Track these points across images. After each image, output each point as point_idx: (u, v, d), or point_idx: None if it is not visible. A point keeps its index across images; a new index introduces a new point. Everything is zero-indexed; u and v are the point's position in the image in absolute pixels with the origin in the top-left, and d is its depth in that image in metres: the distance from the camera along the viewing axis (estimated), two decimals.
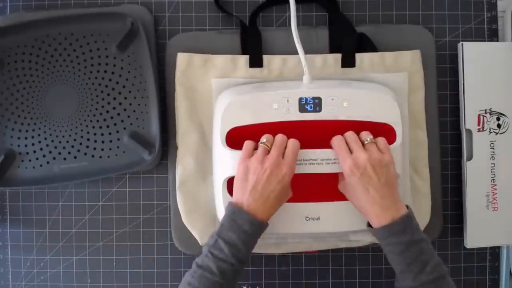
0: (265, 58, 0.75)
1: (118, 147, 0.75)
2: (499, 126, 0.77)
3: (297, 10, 0.74)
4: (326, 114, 0.68)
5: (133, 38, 0.74)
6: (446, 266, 0.61)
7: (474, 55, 0.77)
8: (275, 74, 0.75)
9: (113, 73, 0.75)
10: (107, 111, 0.75)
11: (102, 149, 0.75)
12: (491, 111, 0.77)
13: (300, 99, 0.68)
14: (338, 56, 0.75)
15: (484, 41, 0.80)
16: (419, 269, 0.59)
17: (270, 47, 0.76)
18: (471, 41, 0.80)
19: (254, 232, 0.62)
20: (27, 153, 0.75)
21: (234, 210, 0.63)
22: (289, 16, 0.74)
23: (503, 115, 0.77)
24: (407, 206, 0.64)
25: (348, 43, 0.75)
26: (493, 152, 0.77)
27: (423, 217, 0.75)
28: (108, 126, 0.75)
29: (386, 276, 0.79)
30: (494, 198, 0.77)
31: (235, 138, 0.68)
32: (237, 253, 0.61)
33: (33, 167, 0.75)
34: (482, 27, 0.80)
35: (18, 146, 0.75)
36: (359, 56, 0.75)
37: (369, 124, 0.68)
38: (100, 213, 0.79)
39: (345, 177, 0.65)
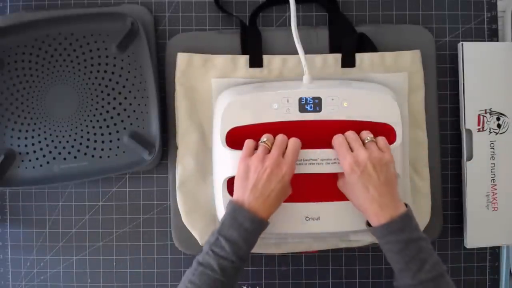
0: (265, 58, 0.75)
1: (118, 147, 0.75)
2: (499, 126, 0.77)
3: (297, 10, 0.74)
4: (326, 114, 0.68)
5: (133, 38, 0.74)
6: (446, 266, 0.61)
7: (474, 55, 0.77)
8: (275, 74, 0.75)
9: (113, 73, 0.75)
10: (107, 111, 0.75)
11: (102, 149, 0.75)
12: (491, 111, 0.77)
13: (300, 99, 0.68)
14: (338, 56, 0.75)
15: (484, 41, 0.80)
16: (417, 268, 0.59)
17: (270, 47, 0.76)
18: (471, 41, 0.80)
19: (255, 229, 0.62)
20: (27, 153, 0.75)
21: (235, 208, 0.63)
22: (289, 16, 0.74)
23: (503, 115, 0.77)
24: (406, 205, 0.64)
25: (348, 43, 0.75)
26: (493, 152, 0.77)
27: (423, 217, 0.75)
28: (108, 126, 0.75)
29: (386, 276, 0.80)
30: (494, 198, 0.77)
31: (235, 138, 0.68)
32: (238, 250, 0.61)
33: (33, 167, 0.75)
34: (482, 27, 0.80)
35: (18, 146, 0.75)
36: (359, 56, 0.75)
37: (369, 124, 0.68)
38: (100, 213, 0.79)
39: (345, 175, 0.65)
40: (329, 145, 0.68)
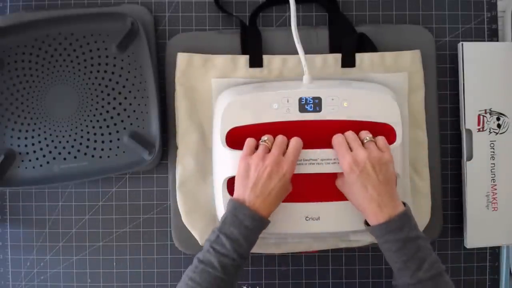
0: (265, 58, 0.75)
1: (118, 147, 0.75)
2: (499, 126, 0.77)
3: (297, 10, 0.74)
4: (326, 114, 0.68)
5: (133, 38, 0.74)
6: (446, 266, 0.62)
7: (474, 55, 0.77)
8: (275, 74, 0.75)
9: (113, 73, 0.75)
10: (107, 111, 0.75)
11: (102, 149, 0.75)
12: (491, 111, 0.77)
13: (300, 99, 0.68)
14: (338, 56, 0.75)
15: (484, 41, 0.80)
16: (416, 267, 0.59)
17: (270, 47, 0.76)
18: (471, 41, 0.80)
19: (256, 227, 0.63)
20: (27, 153, 0.75)
21: (235, 206, 0.63)
22: (289, 16, 0.74)
23: (503, 115, 0.77)
24: (404, 204, 0.64)
25: (348, 43, 0.75)
26: (493, 152, 0.77)
27: (423, 217, 0.75)
28: (108, 126, 0.75)
29: (386, 276, 0.80)
30: (494, 198, 0.77)
31: (235, 138, 0.68)
32: (239, 248, 0.61)
33: (33, 167, 0.75)
34: (482, 27, 0.80)
35: (18, 146, 0.75)
36: (359, 56, 0.75)
37: (369, 124, 0.68)
38: (100, 213, 0.79)
39: (344, 174, 0.65)
40: (329, 145, 0.68)
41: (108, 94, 0.75)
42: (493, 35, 0.80)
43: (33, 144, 0.75)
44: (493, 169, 0.77)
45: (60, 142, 0.75)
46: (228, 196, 0.69)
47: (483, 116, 0.77)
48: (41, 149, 0.75)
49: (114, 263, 0.79)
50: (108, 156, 0.75)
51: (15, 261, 0.79)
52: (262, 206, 0.63)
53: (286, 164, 0.64)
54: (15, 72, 0.75)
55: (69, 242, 0.79)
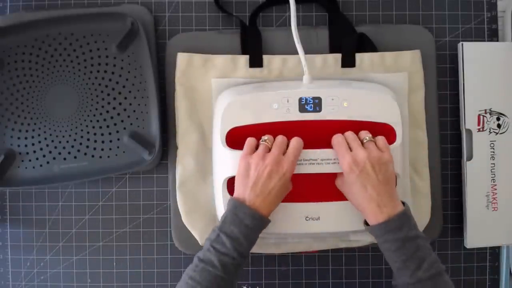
0: (265, 58, 0.75)
1: (118, 147, 0.75)
2: (499, 126, 0.77)
3: (297, 10, 0.74)
4: (326, 114, 0.68)
5: (133, 38, 0.74)
6: (446, 266, 0.62)
7: (474, 55, 0.77)
8: (275, 74, 0.75)
9: (113, 73, 0.75)
10: (107, 111, 0.75)
11: (102, 149, 0.75)
12: (491, 111, 0.77)
13: (300, 99, 0.68)
14: (338, 56, 0.75)
15: (484, 41, 0.80)
16: (416, 266, 0.59)
17: (270, 47, 0.76)
18: (471, 41, 0.80)
19: (256, 226, 0.63)
20: (27, 153, 0.75)
21: (236, 205, 0.63)
22: (289, 16, 0.74)
23: (503, 115, 0.77)
24: (403, 204, 0.64)
25: (348, 43, 0.75)
26: (493, 152, 0.77)
27: (423, 217, 0.75)
28: (108, 126, 0.75)
29: (386, 276, 0.80)
30: (494, 198, 0.77)
31: (235, 138, 0.68)
32: (239, 247, 0.61)
33: (33, 167, 0.75)
34: (482, 27, 0.80)
35: (18, 146, 0.75)
36: (359, 56, 0.75)
37: (369, 124, 0.68)
38: (100, 213, 0.79)
39: (344, 174, 0.65)
40: (329, 145, 0.68)
41: (108, 94, 0.75)
42: (493, 35, 0.80)
43: (33, 144, 0.75)
44: (493, 169, 0.77)
45: (60, 142, 0.75)
46: (228, 196, 0.69)
47: (483, 116, 0.77)
48: (41, 149, 0.75)
49: (114, 263, 0.79)
50: (108, 156, 0.75)
51: (15, 261, 0.79)
52: (262, 205, 0.63)
53: (286, 163, 0.64)
54: (15, 72, 0.75)
55: (69, 242, 0.79)
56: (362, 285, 0.80)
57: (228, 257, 0.61)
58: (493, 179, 0.77)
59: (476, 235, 0.78)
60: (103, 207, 0.79)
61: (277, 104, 0.68)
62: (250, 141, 0.67)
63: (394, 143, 0.68)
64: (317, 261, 0.80)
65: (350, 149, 0.65)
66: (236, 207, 0.63)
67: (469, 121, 0.77)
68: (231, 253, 0.61)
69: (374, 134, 0.67)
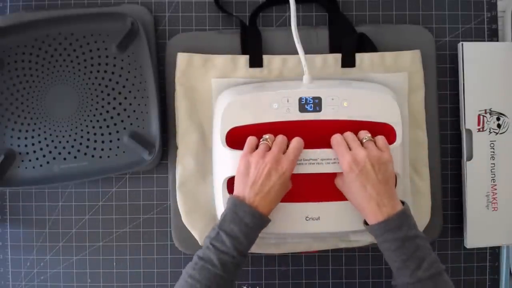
0: (265, 58, 0.75)
1: (118, 147, 0.75)
2: (499, 126, 0.77)
3: (297, 10, 0.74)
4: (326, 114, 0.68)
5: (133, 38, 0.74)
6: (446, 266, 0.62)
7: (474, 55, 0.77)
8: (275, 74, 0.75)
9: (113, 73, 0.75)
10: (107, 111, 0.75)
11: (102, 149, 0.75)
12: (491, 111, 0.77)
13: (300, 99, 0.68)
14: (338, 56, 0.75)
15: (484, 41, 0.80)
16: (415, 266, 0.59)
17: (270, 47, 0.76)
18: (471, 41, 0.80)
19: (256, 225, 0.63)
20: (27, 153, 0.75)
21: (235, 203, 0.63)
22: (289, 16, 0.74)
23: (503, 115, 0.77)
24: (403, 203, 0.64)
25: (348, 43, 0.75)
26: (493, 152, 0.77)
27: (423, 217, 0.75)
28: (108, 126, 0.75)
29: (386, 276, 0.80)
30: (494, 198, 0.77)
31: (235, 138, 0.68)
32: (239, 245, 0.61)
33: (33, 167, 0.75)
34: (482, 27, 0.80)
35: (18, 146, 0.75)
36: (359, 56, 0.75)
37: (369, 124, 0.68)
38: (100, 213, 0.79)
39: (344, 174, 0.65)
40: (329, 145, 0.68)
41: (108, 94, 0.75)
42: (493, 35, 0.80)
43: (33, 144, 0.75)
44: (493, 169, 0.77)
45: (60, 142, 0.75)
46: (228, 196, 0.69)
47: (483, 116, 0.77)
48: (41, 149, 0.75)
49: (114, 263, 0.79)
50: (108, 156, 0.75)
51: (15, 261, 0.79)
52: (262, 203, 0.63)
53: (286, 162, 0.64)
54: (15, 72, 0.75)
55: (69, 242, 0.79)
56: (362, 285, 0.80)
57: (228, 255, 0.61)
58: (493, 179, 0.77)
59: (476, 235, 0.78)
60: (103, 207, 0.79)
61: (277, 104, 0.68)
62: (250, 140, 0.67)
63: (394, 143, 0.68)
64: (317, 261, 0.80)
65: (350, 149, 0.65)
66: (236, 205, 0.63)
67: (469, 121, 0.77)
68: (230, 252, 0.61)
69: (374, 134, 0.67)
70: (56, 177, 0.74)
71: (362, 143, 0.66)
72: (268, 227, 0.65)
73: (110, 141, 0.75)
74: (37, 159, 0.75)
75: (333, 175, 0.69)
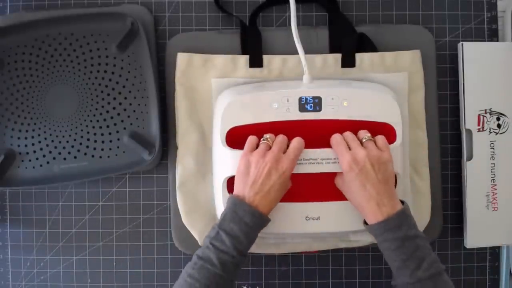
0: (265, 58, 0.75)
1: (118, 147, 0.75)
2: (499, 126, 0.77)
3: (297, 10, 0.74)
4: (326, 113, 0.68)
5: (133, 38, 0.74)
6: (446, 266, 0.62)
7: (474, 55, 0.77)
8: (275, 74, 0.75)
9: (113, 73, 0.75)
10: (107, 111, 0.75)
11: (102, 149, 0.75)
12: (491, 111, 0.77)
13: (300, 99, 0.68)
14: (338, 56, 0.75)
15: (484, 41, 0.80)
16: (415, 266, 0.59)
17: (270, 47, 0.76)
18: (471, 41, 0.80)
19: (255, 224, 0.63)
20: (27, 153, 0.75)
21: (235, 202, 0.63)
22: (289, 16, 0.74)
23: (503, 115, 0.77)
24: (402, 202, 0.64)
25: (348, 43, 0.75)
26: (493, 152, 0.77)
27: (423, 217, 0.75)
28: (108, 126, 0.75)
29: (386, 276, 0.80)
30: (494, 198, 0.77)
31: (235, 138, 0.68)
32: (239, 245, 0.61)
33: (33, 167, 0.75)
34: (482, 27, 0.80)
35: (18, 146, 0.75)
36: (359, 56, 0.75)
37: (369, 124, 0.68)
38: (100, 213, 0.79)
39: (343, 173, 0.65)
40: (329, 145, 0.68)
41: (108, 94, 0.75)
42: (493, 35, 0.80)
43: (33, 144, 0.75)
44: (493, 169, 0.77)
45: (60, 142, 0.75)
46: (228, 196, 0.69)
47: (483, 116, 0.77)
48: (41, 149, 0.75)
49: (114, 263, 0.79)
50: (108, 156, 0.75)
51: (15, 261, 0.79)
52: (262, 203, 0.63)
53: (286, 161, 0.64)
54: (15, 72, 0.75)
55: (69, 242, 0.79)
56: (362, 285, 0.80)
57: (228, 255, 0.60)
58: (493, 179, 0.77)
59: (476, 235, 0.78)
60: (103, 207, 0.79)
61: (277, 103, 0.68)
62: (251, 139, 0.67)
63: (394, 143, 0.68)
64: (317, 261, 0.80)
65: (350, 149, 0.65)
66: (236, 205, 0.63)
67: (469, 121, 0.77)
68: (230, 252, 0.61)
69: (374, 134, 0.67)
70: (56, 177, 0.74)
71: (362, 143, 0.66)
72: (268, 227, 0.65)
73: (110, 141, 0.75)
74: (37, 159, 0.75)
75: (333, 175, 0.69)
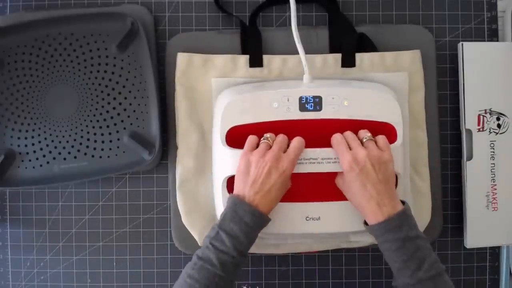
0: (265, 58, 0.75)
1: (118, 147, 0.75)
2: (499, 126, 0.77)
3: (297, 10, 0.74)
4: (327, 113, 0.68)
5: (133, 38, 0.74)
6: (446, 266, 0.61)
7: (474, 55, 0.77)
8: (275, 74, 0.75)
9: (113, 73, 0.75)
10: (107, 111, 0.75)
11: (102, 149, 0.75)
12: (491, 111, 0.77)
13: (301, 98, 0.68)
14: (338, 56, 0.75)
15: (484, 41, 0.80)
16: (416, 266, 0.59)
17: (270, 47, 0.76)
18: (471, 41, 0.80)
19: (256, 224, 0.62)
20: (27, 153, 0.75)
21: (235, 202, 0.63)
22: (289, 16, 0.74)
23: (503, 115, 0.77)
24: (403, 202, 0.64)
25: (348, 43, 0.75)
26: (493, 152, 0.77)
27: (423, 217, 0.75)
28: (108, 126, 0.75)
29: (386, 276, 0.79)
30: (494, 198, 0.77)
31: (235, 137, 0.68)
32: (239, 245, 0.61)
33: (33, 167, 0.75)
34: (482, 27, 0.80)
35: (18, 146, 0.75)
36: (359, 56, 0.75)
37: (370, 123, 0.68)
38: (100, 213, 0.79)
39: (344, 173, 0.65)
40: (330, 144, 0.67)
41: (108, 94, 0.75)
42: (493, 35, 0.80)
43: (33, 144, 0.75)
44: (493, 169, 0.77)
45: (60, 142, 0.75)
46: (228, 195, 0.68)
47: (483, 116, 0.77)
48: (41, 149, 0.75)
49: (114, 263, 0.79)
50: (108, 156, 0.75)
51: (15, 261, 0.79)
52: (262, 202, 0.63)
53: (286, 160, 0.64)
54: (15, 72, 0.75)
55: (69, 242, 0.79)
56: (362, 285, 0.80)
57: (228, 255, 0.60)
58: (493, 179, 0.77)
59: (476, 235, 0.78)
60: (103, 207, 0.79)
61: (277, 103, 0.68)
62: (251, 139, 0.67)
63: (395, 143, 0.68)
64: (317, 261, 0.80)
65: (350, 148, 0.65)
66: (236, 204, 0.63)
67: (469, 121, 0.77)
68: (230, 252, 0.60)
69: (375, 134, 0.67)
70: (56, 177, 0.74)
71: (362, 143, 0.66)
72: (267, 227, 0.65)
73: (110, 141, 0.75)
74: (37, 159, 0.75)
75: (334, 175, 0.69)
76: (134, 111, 0.75)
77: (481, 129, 0.77)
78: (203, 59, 0.75)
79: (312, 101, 0.68)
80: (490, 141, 0.77)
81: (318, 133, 0.68)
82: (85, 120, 0.75)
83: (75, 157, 0.75)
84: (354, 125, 0.68)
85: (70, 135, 0.75)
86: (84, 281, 0.79)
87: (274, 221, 0.66)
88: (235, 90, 0.72)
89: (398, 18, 0.80)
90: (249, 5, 0.79)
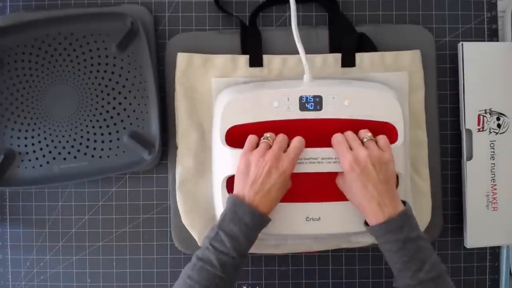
0: (265, 58, 0.75)
1: (118, 147, 0.75)
2: (499, 126, 0.77)
3: (297, 10, 0.74)
4: (327, 112, 0.68)
5: (133, 38, 0.74)
6: (446, 266, 0.61)
7: (474, 55, 0.77)
8: (275, 74, 0.75)
9: (113, 73, 0.75)
10: (107, 111, 0.75)
11: (102, 149, 0.75)
12: (491, 111, 0.77)
13: (301, 98, 0.68)
14: (338, 56, 0.75)
15: (484, 41, 0.80)
16: (417, 267, 0.59)
17: (270, 47, 0.76)
18: (471, 41, 0.80)
19: (256, 225, 0.62)
20: (27, 153, 0.75)
21: (235, 202, 0.63)
22: (289, 16, 0.74)
23: (503, 115, 0.77)
24: (404, 203, 0.64)
25: (348, 43, 0.75)
26: (493, 152, 0.77)
27: (423, 217, 0.75)
28: (108, 126, 0.75)
29: (386, 276, 0.79)
30: (494, 198, 0.77)
31: (234, 137, 0.68)
32: (238, 246, 0.61)
33: (33, 167, 0.75)
34: (482, 27, 0.80)
35: (18, 146, 0.75)
36: (359, 56, 0.75)
37: (370, 123, 0.68)
38: (100, 213, 0.79)
39: (345, 173, 0.65)
40: (330, 144, 0.67)
41: (108, 94, 0.75)
42: (493, 35, 0.80)
43: (33, 144, 0.75)
44: (493, 169, 0.77)
45: (60, 142, 0.75)
46: (228, 195, 0.68)
47: (483, 116, 0.77)
48: (41, 149, 0.75)
49: (114, 263, 0.79)
50: (108, 156, 0.75)
51: (15, 261, 0.79)
52: (262, 202, 0.63)
53: (286, 160, 0.64)
54: (15, 72, 0.75)
55: (69, 242, 0.79)
56: (362, 285, 0.80)
57: (228, 256, 0.60)
58: (493, 179, 0.77)
59: (476, 235, 0.77)
60: (103, 207, 0.79)
61: (278, 102, 0.68)
62: (251, 138, 0.67)
63: (396, 143, 0.68)
64: (317, 261, 0.80)
65: (351, 148, 0.65)
66: (236, 205, 0.63)
67: (469, 121, 0.77)
68: (230, 253, 0.60)
69: (376, 133, 0.67)
70: (56, 177, 0.74)
71: (362, 143, 0.65)
72: (267, 228, 0.65)
73: (110, 141, 0.75)
74: (37, 159, 0.75)
75: (334, 175, 0.69)
76: (134, 111, 0.75)
77: (481, 129, 0.77)
78: (203, 59, 0.75)
79: (312, 100, 0.68)
80: (490, 141, 0.77)
81: (318, 133, 0.68)
82: (85, 120, 0.75)
83: (75, 157, 0.75)
84: (355, 125, 0.68)
85: (70, 135, 0.75)
86: (84, 281, 0.79)
87: (274, 222, 0.66)
88: (235, 89, 0.72)
89: (398, 18, 0.80)
90: (249, 5, 0.79)
